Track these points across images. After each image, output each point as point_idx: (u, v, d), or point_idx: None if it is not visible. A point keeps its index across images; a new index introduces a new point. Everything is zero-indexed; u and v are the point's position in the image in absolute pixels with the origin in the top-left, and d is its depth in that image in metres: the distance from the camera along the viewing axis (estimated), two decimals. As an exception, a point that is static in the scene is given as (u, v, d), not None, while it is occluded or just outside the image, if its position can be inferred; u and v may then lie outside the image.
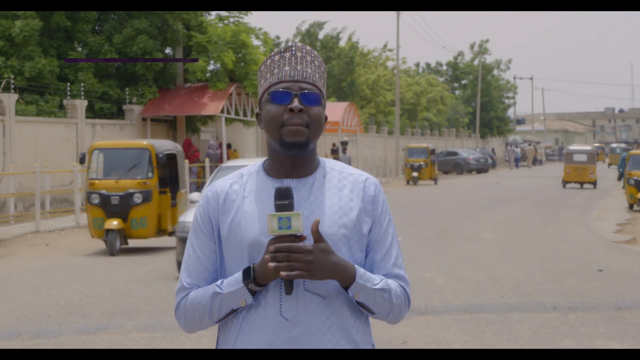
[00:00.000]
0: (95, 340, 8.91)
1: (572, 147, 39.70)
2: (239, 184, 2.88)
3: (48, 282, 12.66)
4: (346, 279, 2.72)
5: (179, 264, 12.46)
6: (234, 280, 2.76)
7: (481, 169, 57.60)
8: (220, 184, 2.90)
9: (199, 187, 27.28)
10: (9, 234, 19.13)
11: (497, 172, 60.68)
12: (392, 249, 2.87)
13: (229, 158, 31.30)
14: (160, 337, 8.97)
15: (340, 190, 2.84)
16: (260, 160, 3.05)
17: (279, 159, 2.84)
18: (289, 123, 2.78)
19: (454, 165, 56.63)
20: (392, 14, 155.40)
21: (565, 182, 38.27)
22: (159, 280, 12.61)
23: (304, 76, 2.83)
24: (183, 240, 12.52)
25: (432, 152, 43.42)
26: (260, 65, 2.92)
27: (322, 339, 2.75)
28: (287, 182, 2.83)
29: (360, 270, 2.74)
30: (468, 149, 64.49)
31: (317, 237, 2.67)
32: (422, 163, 42.31)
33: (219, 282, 2.80)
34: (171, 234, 17.05)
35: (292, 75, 2.82)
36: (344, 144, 39.14)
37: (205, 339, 8.71)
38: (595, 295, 11.26)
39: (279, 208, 2.67)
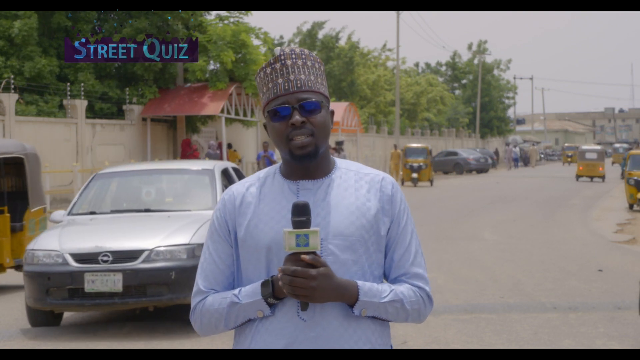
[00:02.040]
0: (95, 340, 8.91)
1: (585, 147, 46.15)
2: (256, 187, 2.87)
3: (48, 282, 12.64)
4: (350, 299, 2.73)
5: (30, 311, 9.41)
6: (251, 292, 2.75)
7: (481, 169, 57.59)
8: (237, 187, 2.90)
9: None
10: (9, 234, 19.09)
11: (497, 172, 60.68)
12: (411, 248, 2.86)
13: (228, 158, 31.31)
14: (160, 337, 8.96)
15: (357, 191, 2.83)
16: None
17: (293, 165, 2.84)
18: (294, 137, 2.77)
19: (454, 165, 56.61)
20: (392, 14, 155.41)
21: (578, 176, 44.03)
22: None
23: (299, 85, 2.80)
24: (33, 276, 9.10)
25: (430, 152, 42.08)
26: (255, 76, 2.91)
27: (339, 340, 2.75)
28: (303, 184, 2.82)
29: (364, 287, 2.74)
30: (468, 149, 64.48)
31: (319, 264, 2.67)
32: (421, 164, 40.61)
33: (236, 290, 2.79)
34: (17, 268, 12.16)
35: (286, 88, 2.79)
36: (339, 143, 38.79)
37: (205, 339, 8.71)
38: (595, 295, 11.26)
39: (296, 225, 2.66)
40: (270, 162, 29.40)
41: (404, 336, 8.82)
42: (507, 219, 22.38)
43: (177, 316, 9.92)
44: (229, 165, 11.68)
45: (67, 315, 10.24)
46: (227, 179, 11.03)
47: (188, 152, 29.53)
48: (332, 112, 2.88)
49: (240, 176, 11.55)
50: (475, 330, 9.20)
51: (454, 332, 9.11)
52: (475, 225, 20.79)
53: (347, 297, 2.71)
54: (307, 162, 2.79)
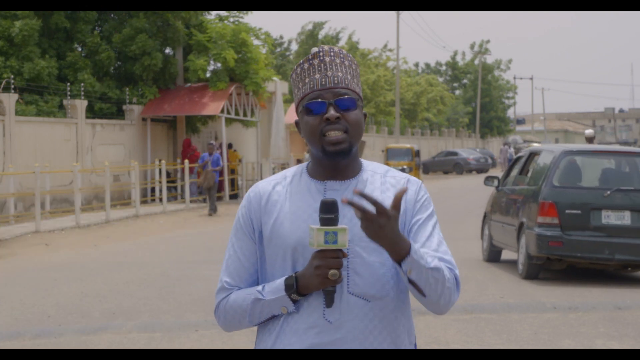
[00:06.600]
0: (95, 340, 8.91)
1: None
2: (282, 185, 2.88)
3: (48, 282, 12.65)
4: (401, 252, 2.63)
5: None
6: (275, 288, 2.76)
7: (481, 169, 57.65)
8: (263, 185, 2.90)
9: (198, 187, 27.20)
10: (9, 233, 19.12)
11: (497, 172, 60.70)
12: (433, 237, 2.82)
13: (229, 159, 31.31)
14: (160, 337, 8.96)
15: (383, 193, 2.83)
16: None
17: (322, 164, 2.83)
18: (328, 133, 2.76)
19: (453, 165, 56.69)
20: (392, 14, 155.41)
21: None
22: (159, 280, 12.60)
23: (336, 82, 2.80)
24: None
25: (417, 153, 38.50)
26: (291, 73, 2.91)
27: (364, 342, 2.75)
28: (330, 184, 2.82)
29: (414, 247, 2.65)
30: (468, 149, 64.51)
31: (396, 206, 2.60)
32: (405, 167, 36.63)
33: (260, 287, 2.80)
34: None
35: (323, 83, 2.80)
36: None
37: (205, 339, 8.71)
38: (595, 295, 11.26)
39: (324, 222, 2.65)
40: (216, 166, 24.96)
41: (404, 336, 8.82)
42: (507, 219, 22.36)
43: (181, 315, 9.92)
44: None
45: (65, 314, 10.24)
46: None
47: (189, 152, 29.53)
48: (365, 115, 2.88)
49: None
50: (475, 330, 9.20)
51: (454, 332, 9.11)
52: (475, 225, 20.78)
53: (398, 249, 2.63)
54: (340, 159, 2.78)
